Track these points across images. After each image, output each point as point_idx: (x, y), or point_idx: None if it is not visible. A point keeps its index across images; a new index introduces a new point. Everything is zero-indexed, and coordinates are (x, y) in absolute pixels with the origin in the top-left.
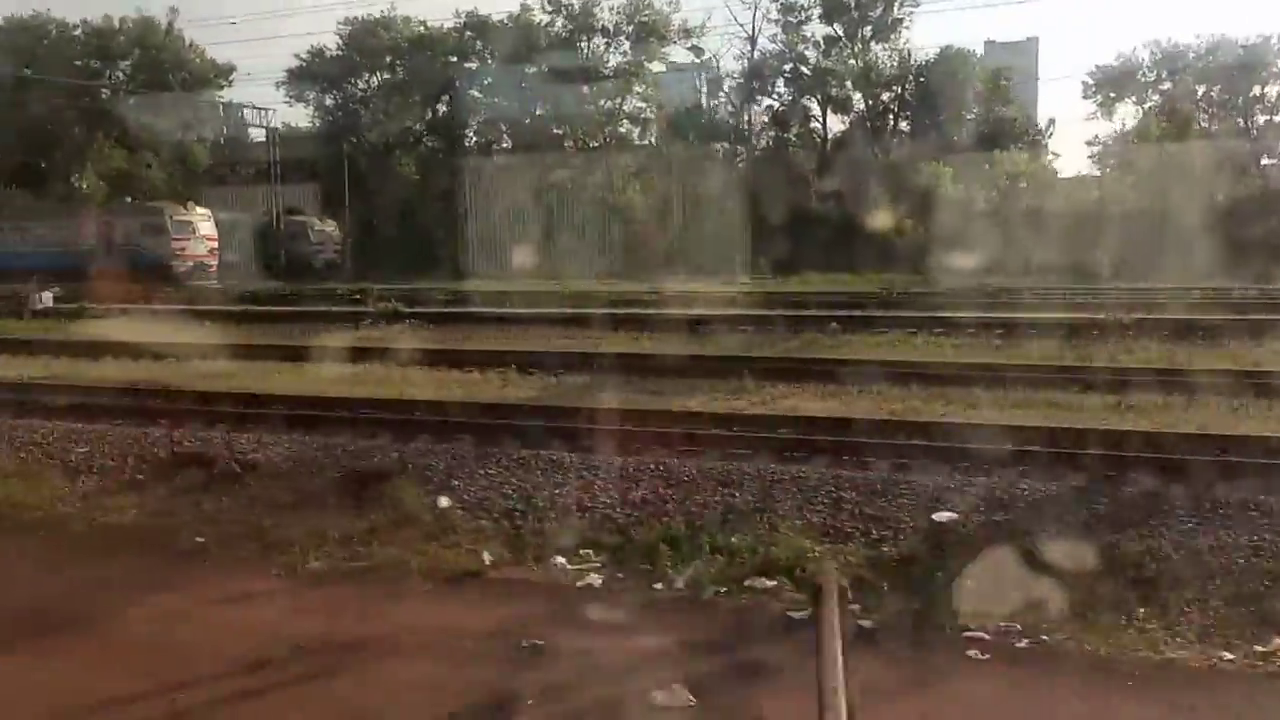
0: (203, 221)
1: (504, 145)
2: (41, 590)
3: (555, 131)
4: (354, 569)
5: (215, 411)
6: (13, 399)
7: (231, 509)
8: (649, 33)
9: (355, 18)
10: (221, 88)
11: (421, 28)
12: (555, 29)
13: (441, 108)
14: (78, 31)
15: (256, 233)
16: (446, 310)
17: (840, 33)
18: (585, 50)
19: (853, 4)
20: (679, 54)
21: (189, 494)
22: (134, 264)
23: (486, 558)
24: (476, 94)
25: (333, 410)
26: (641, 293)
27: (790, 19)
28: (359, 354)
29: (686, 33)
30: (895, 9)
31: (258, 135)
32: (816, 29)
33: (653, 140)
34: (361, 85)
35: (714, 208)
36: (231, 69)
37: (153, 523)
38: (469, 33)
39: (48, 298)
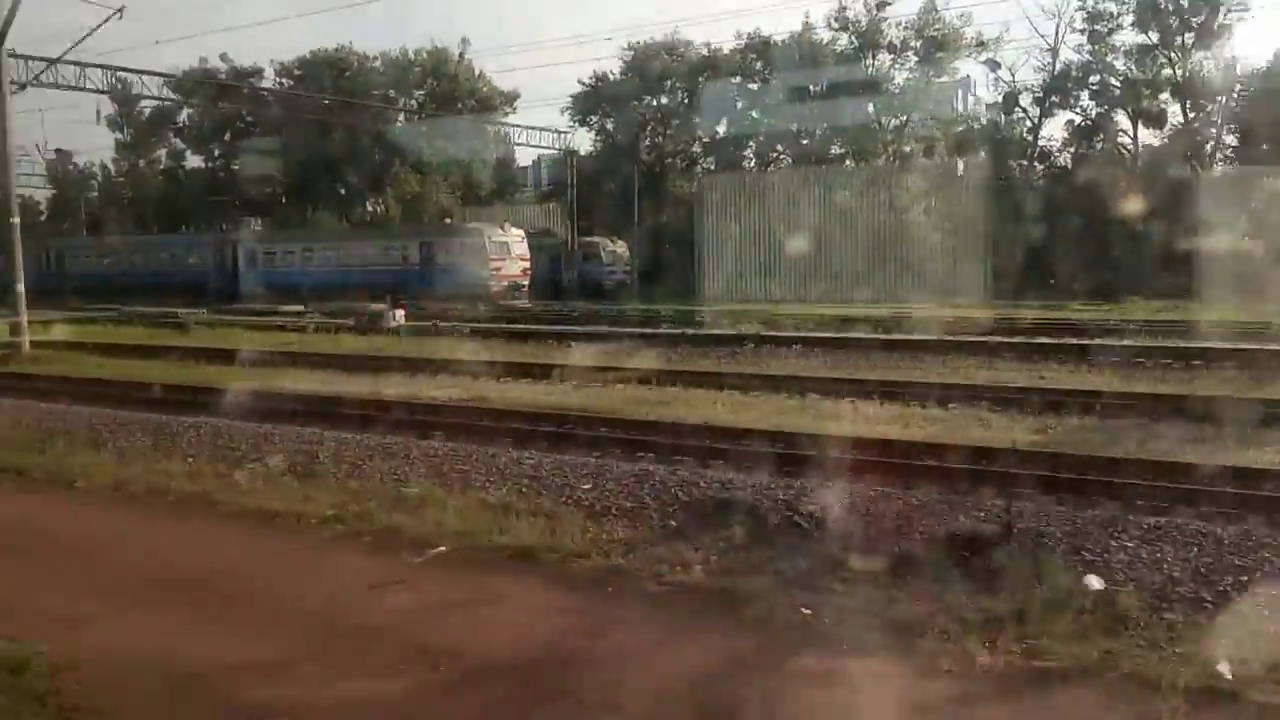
0: (517, 242)
1: (784, 164)
2: (677, 669)
3: (837, 150)
4: (1042, 670)
5: (707, 447)
6: (462, 422)
7: (814, 571)
8: (939, 47)
9: (639, 43)
10: (506, 113)
11: (705, 50)
12: (839, 46)
13: (721, 129)
14: (376, 63)
15: (550, 253)
16: (820, 335)
17: (1155, 40)
18: (870, 67)
19: (1170, 9)
20: (970, 68)
21: (745, 548)
22: (452, 284)
23: (1225, 670)
24: (756, 114)
25: (839, 451)
26: (1033, 317)
27: (1098, 28)
28: (767, 382)
29: (981, 45)
30: (1222, 15)
31: (526, 158)
32: (1127, 37)
33: (942, 157)
34: (643, 108)
35: (1011, 226)
36: (516, 95)
37: (727, 584)
38: (750, 54)
39: (400, 316)
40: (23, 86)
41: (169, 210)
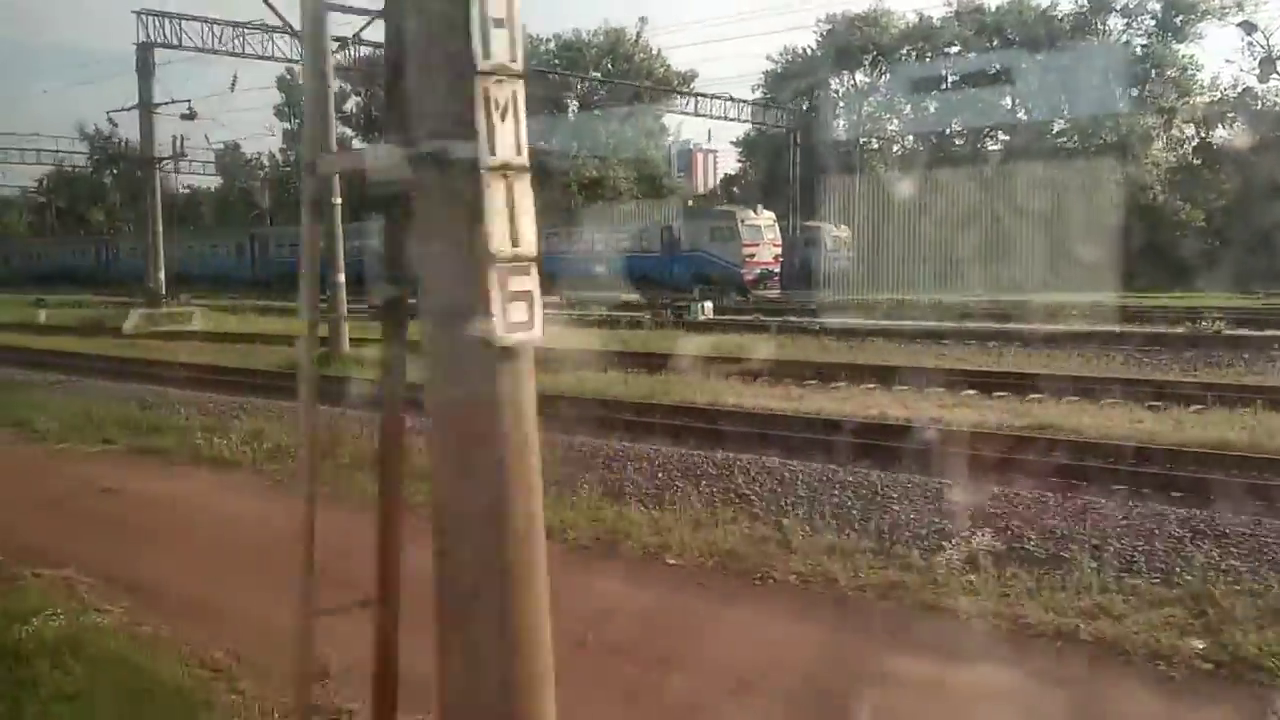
0: (769, 226)
1: (997, 144)
2: None
3: (1061, 125)
4: None
5: None
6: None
7: None
8: (1178, 9)
9: (835, 15)
10: (684, 94)
11: (912, 19)
12: (1059, 12)
13: (931, 105)
14: (549, 44)
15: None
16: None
17: None
18: (1100, 33)
19: None
20: (1212, 31)
21: None
22: (702, 271)
23: None
24: (971, 88)
25: None
26: None
27: None
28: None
29: (1239, 5)
30: None
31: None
32: None
33: (1193, 130)
34: (840, 85)
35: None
36: (693, 75)
37: None
38: (960, 22)
39: (708, 308)
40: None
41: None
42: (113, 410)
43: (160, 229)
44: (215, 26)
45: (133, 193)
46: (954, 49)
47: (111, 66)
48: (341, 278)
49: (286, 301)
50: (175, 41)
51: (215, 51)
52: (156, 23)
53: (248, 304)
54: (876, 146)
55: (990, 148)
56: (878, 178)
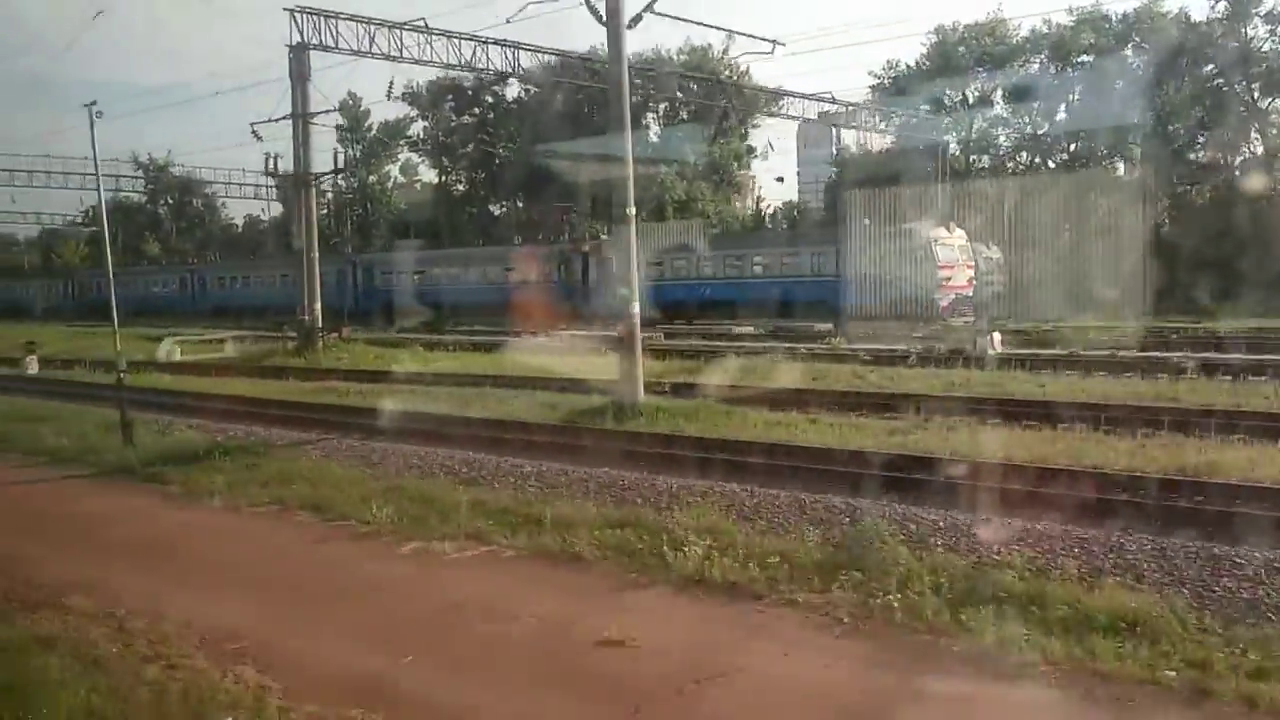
0: (962, 245)
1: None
2: None
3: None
4: None
5: None
6: None
7: None
8: None
9: (945, 26)
10: (771, 114)
11: (1030, 29)
12: (1200, 17)
13: (1048, 117)
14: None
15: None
16: None
17: None
18: (1244, 39)
19: None
20: None
21: None
22: (885, 298)
23: None
24: (1095, 99)
25: None
26: None
27: None
28: None
29: None
30: None
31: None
32: None
33: None
34: (951, 97)
35: None
36: (781, 94)
37: None
38: (1085, 31)
39: (997, 340)
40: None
41: (417, 225)
42: (434, 488)
43: (315, 254)
44: (370, 26)
45: (188, 222)
46: (1079, 58)
47: (153, 99)
48: (636, 306)
49: (469, 331)
50: (331, 43)
51: (369, 55)
52: (312, 23)
53: (415, 337)
54: (986, 164)
55: (1116, 162)
56: (1004, 194)
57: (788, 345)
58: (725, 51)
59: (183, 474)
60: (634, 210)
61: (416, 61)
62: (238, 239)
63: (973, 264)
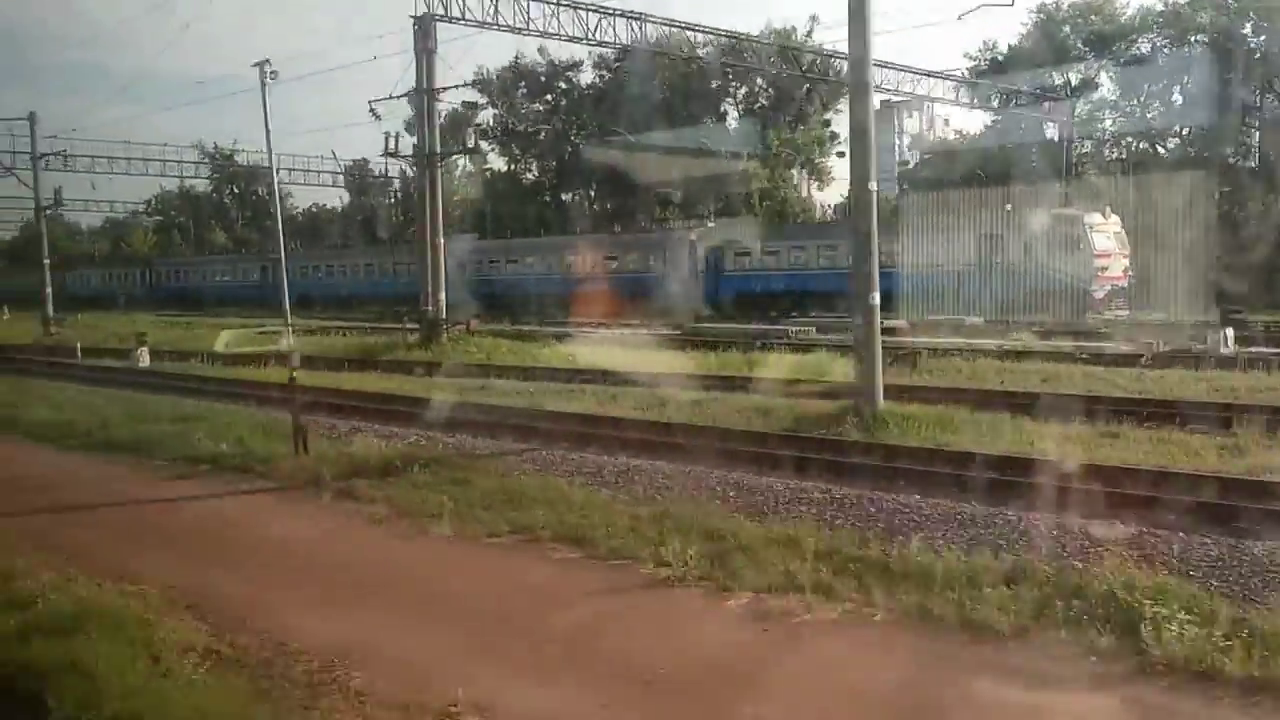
0: (1117, 232)
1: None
2: None
3: None
4: None
5: None
6: None
7: None
8: None
9: (1048, 4)
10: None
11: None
12: None
13: (1160, 100)
14: (708, 50)
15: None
16: None
17: None
18: None
19: None
20: None
21: None
22: (1032, 287)
23: None
24: (1209, 82)
25: None
26: None
27: None
28: None
29: None
30: None
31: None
32: None
33: None
34: (1054, 80)
35: None
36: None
37: None
38: (1198, 7)
39: (1229, 337)
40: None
41: (495, 216)
42: (709, 517)
43: (441, 240)
44: None
45: (255, 212)
46: (1195, 37)
47: (215, 88)
48: (876, 298)
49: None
50: (459, 14)
51: (495, 26)
52: None
53: (540, 330)
54: (1088, 150)
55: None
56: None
57: (949, 340)
58: (810, 35)
59: (381, 490)
60: (875, 187)
61: (542, 34)
62: (302, 228)
63: (1128, 253)
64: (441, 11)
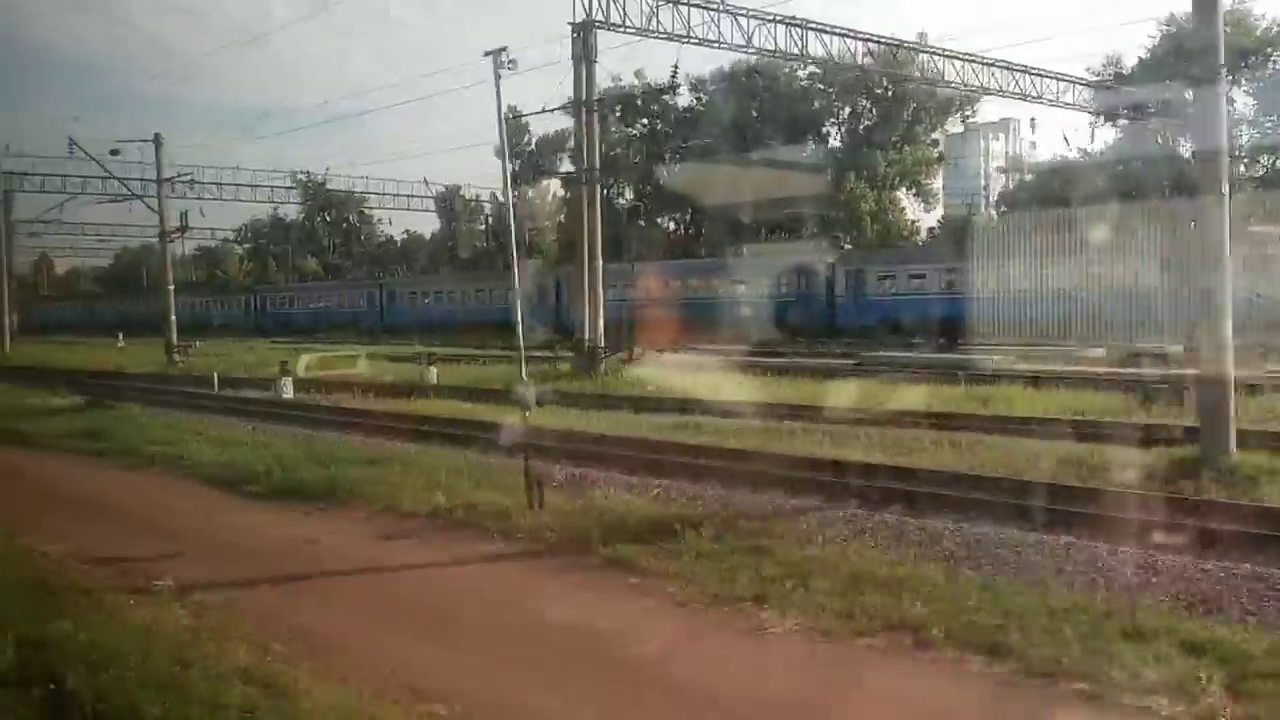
0: None
1: None
2: None
3: None
4: None
5: None
6: None
7: None
8: None
9: (1177, 16)
10: (967, 115)
11: None
12: None
13: None
14: (804, 70)
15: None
16: None
17: None
18: None
19: None
20: None
21: None
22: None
23: None
24: None
25: None
26: None
27: None
28: None
29: None
30: None
31: None
32: None
33: None
34: (1189, 94)
35: None
36: (977, 97)
37: None
38: None
39: None
40: None
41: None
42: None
43: (600, 263)
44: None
45: (345, 239)
46: None
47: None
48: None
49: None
50: (619, 21)
51: (653, 34)
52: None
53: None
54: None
55: None
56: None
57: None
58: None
59: (659, 560)
60: (1227, 190)
61: (701, 42)
62: (392, 254)
63: None
64: (601, 18)
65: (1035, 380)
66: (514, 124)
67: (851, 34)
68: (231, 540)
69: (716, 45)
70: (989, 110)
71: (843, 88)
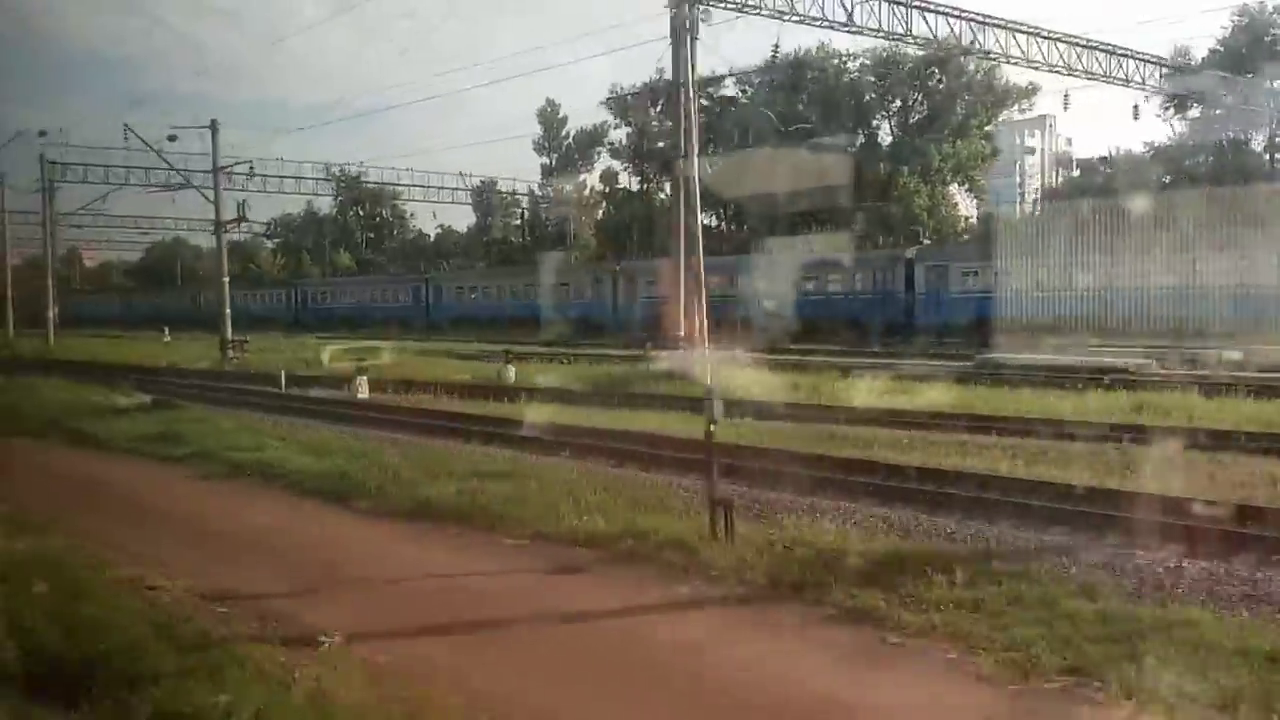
0: None
1: None
2: None
3: None
4: None
5: None
6: None
7: None
8: None
9: (1251, 5)
10: (1023, 110)
11: None
12: None
13: None
14: (854, 63)
15: None
16: None
17: None
18: None
19: None
20: None
21: None
22: None
23: None
24: None
25: None
26: None
27: None
28: None
29: None
30: None
31: None
32: None
33: None
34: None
35: None
36: (1034, 89)
37: None
38: None
39: None
40: None
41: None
42: None
43: (700, 255)
44: None
45: (378, 234)
46: None
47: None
48: None
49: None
50: None
51: (755, 11)
52: None
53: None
54: None
55: None
56: None
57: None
58: (973, 43)
59: (921, 614)
60: None
61: (802, 20)
62: (426, 249)
63: None
64: None
65: (1202, 387)
66: (551, 117)
67: (963, 15)
68: (368, 573)
69: (818, 23)
70: (1043, 104)
71: (895, 80)
